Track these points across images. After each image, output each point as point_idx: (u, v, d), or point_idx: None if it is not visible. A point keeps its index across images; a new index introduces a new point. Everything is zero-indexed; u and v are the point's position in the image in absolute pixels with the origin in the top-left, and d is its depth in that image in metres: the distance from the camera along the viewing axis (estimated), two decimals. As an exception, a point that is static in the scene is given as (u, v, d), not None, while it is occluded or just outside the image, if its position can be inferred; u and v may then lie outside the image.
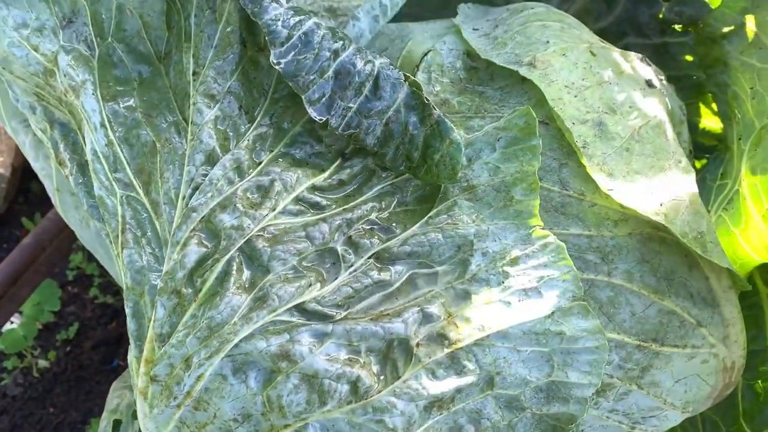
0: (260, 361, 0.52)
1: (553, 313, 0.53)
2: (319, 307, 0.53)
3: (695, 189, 0.63)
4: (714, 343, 0.61)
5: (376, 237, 0.55)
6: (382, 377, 0.52)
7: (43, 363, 1.42)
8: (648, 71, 0.69)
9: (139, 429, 0.55)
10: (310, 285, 0.53)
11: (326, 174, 0.56)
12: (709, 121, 0.89)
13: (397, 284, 0.54)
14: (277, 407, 0.52)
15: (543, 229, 0.54)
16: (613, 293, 0.59)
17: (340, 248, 0.54)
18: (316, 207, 0.55)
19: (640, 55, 0.73)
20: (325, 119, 0.52)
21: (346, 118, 0.52)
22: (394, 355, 0.53)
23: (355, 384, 0.52)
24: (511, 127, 0.55)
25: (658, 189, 0.59)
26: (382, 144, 0.53)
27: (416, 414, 0.52)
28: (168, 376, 0.53)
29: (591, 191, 0.59)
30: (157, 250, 0.56)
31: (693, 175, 0.63)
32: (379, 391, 0.52)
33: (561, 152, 0.60)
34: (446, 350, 0.52)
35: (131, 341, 0.55)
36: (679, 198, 0.60)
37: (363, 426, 0.52)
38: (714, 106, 0.86)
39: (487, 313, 0.53)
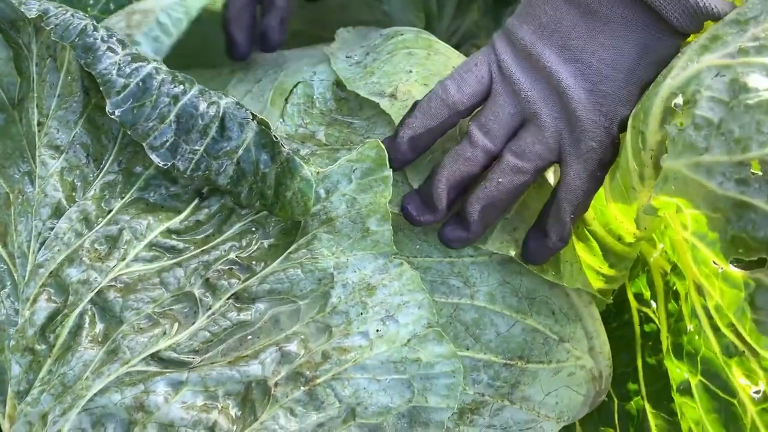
0: (117, 414, 0.53)
1: (409, 340, 0.55)
2: (175, 355, 0.54)
3: None
4: (579, 355, 0.64)
5: (234, 277, 0.55)
6: (240, 421, 0.54)
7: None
8: None
9: None
10: (165, 333, 0.54)
11: (182, 216, 0.56)
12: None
13: (259, 323, 0.55)
14: None
15: (398, 257, 0.56)
16: (477, 315, 0.62)
17: (197, 291, 0.55)
18: (173, 251, 0.56)
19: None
20: (170, 163, 0.52)
21: (194, 161, 0.53)
22: (252, 397, 0.54)
23: (212, 430, 0.53)
24: (363, 158, 0.57)
25: (512, 216, 0.62)
26: (236, 183, 0.54)
27: None
28: None
29: None
30: (16, 304, 0.56)
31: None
32: None
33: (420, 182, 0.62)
34: (303, 388, 0.54)
35: None
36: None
37: None
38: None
39: (345, 346, 0.55)
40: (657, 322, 0.75)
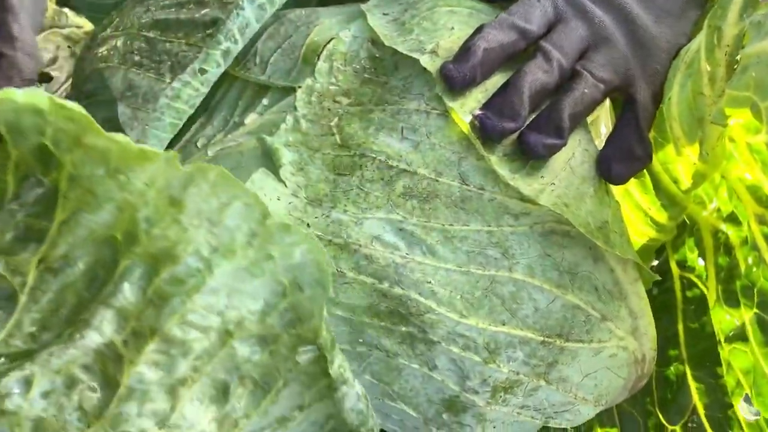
0: None
1: (250, 241, 0.48)
2: (13, 348, 0.49)
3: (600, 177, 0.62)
4: (622, 336, 0.61)
5: (33, 242, 0.49)
6: (106, 392, 0.49)
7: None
8: None
9: None
10: None
11: None
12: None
13: (83, 277, 0.49)
14: None
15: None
16: (515, 288, 0.58)
17: (4, 271, 0.49)
18: None
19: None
20: None
21: None
22: (108, 365, 0.49)
23: (82, 408, 0.49)
24: None
25: (561, 179, 0.58)
26: None
27: (160, 405, 0.49)
28: None
29: (491, 185, 0.58)
30: None
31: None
32: (109, 406, 0.48)
33: (461, 145, 0.58)
34: (156, 338, 0.49)
35: None
36: (583, 188, 0.59)
37: None
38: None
39: (180, 276, 0.48)
40: (702, 283, 0.73)
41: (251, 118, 0.65)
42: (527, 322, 0.58)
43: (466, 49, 0.59)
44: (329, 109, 0.61)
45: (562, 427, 0.66)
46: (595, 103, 0.60)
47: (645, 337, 0.62)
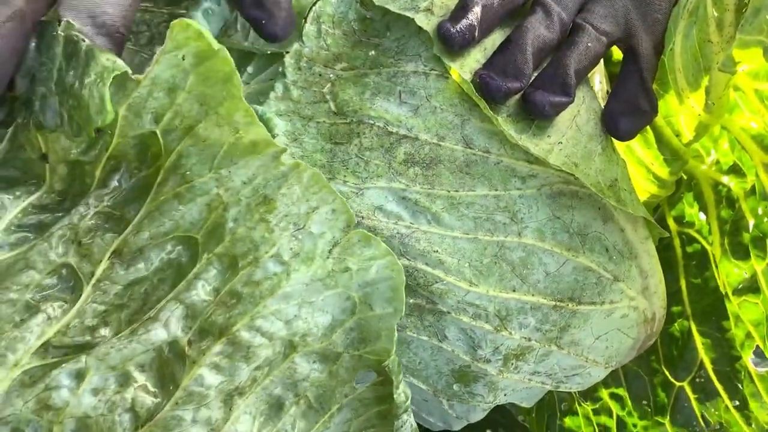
0: (31, 419, 0.45)
1: (330, 251, 0.48)
2: (68, 339, 0.46)
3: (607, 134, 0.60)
4: (633, 296, 0.60)
5: (110, 231, 0.47)
6: (161, 392, 0.47)
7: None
8: None
9: None
10: (50, 318, 0.46)
11: (45, 188, 0.48)
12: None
13: (154, 276, 0.47)
14: None
15: (293, 156, 0.49)
16: (525, 254, 0.56)
17: (72, 260, 0.46)
18: (40, 228, 0.47)
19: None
20: None
21: None
22: (167, 364, 0.47)
23: (134, 410, 0.46)
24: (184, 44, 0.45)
25: (568, 137, 0.56)
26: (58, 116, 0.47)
27: (214, 414, 0.47)
28: None
29: (496, 147, 0.55)
30: None
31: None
32: (164, 408, 0.46)
33: (463, 107, 0.55)
34: (223, 339, 0.47)
35: None
36: (591, 146, 0.57)
37: None
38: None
39: (257, 278, 0.47)
40: (702, 238, 0.72)
41: (237, 88, 0.61)
42: (538, 287, 0.57)
43: (462, 7, 0.55)
44: (320, 75, 0.58)
45: (572, 390, 0.65)
46: (599, 57, 0.58)
47: (655, 296, 0.61)
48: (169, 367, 0.47)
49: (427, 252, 0.55)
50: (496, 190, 0.55)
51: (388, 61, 0.58)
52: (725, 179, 0.67)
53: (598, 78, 0.72)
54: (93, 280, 0.46)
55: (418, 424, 0.62)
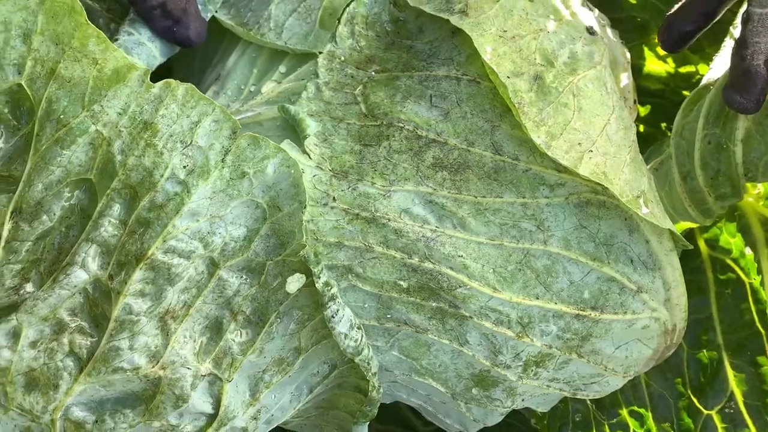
0: None
1: (223, 158, 0.48)
2: None
3: (636, 145, 0.60)
4: (655, 307, 0.59)
5: (3, 194, 0.48)
6: (96, 329, 0.48)
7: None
8: (589, 17, 0.64)
9: None
10: None
11: None
12: (654, 65, 0.86)
13: (62, 224, 0.48)
14: (28, 411, 0.47)
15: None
16: (550, 262, 0.56)
17: None
18: None
19: (581, -1, 0.69)
20: None
21: None
22: (96, 301, 0.48)
23: (75, 353, 0.48)
24: None
25: (598, 147, 0.56)
26: None
27: (152, 340, 0.48)
28: None
29: (525, 155, 0.55)
30: None
31: (633, 130, 0.60)
32: (102, 342, 0.47)
33: (493, 113, 0.55)
34: (141, 266, 0.47)
35: None
36: (620, 156, 0.57)
37: (114, 382, 0.48)
38: (659, 49, 0.83)
39: (159, 203, 0.47)
40: (740, 268, 0.71)
41: (269, 87, 0.61)
42: (562, 295, 0.56)
43: (747, 76, 0.57)
44: (353, 76, 0.58)
45: (589, 398, 0.65)
46: None
47: (677, 308, 0.61)
48: (98, 306, 0.47)
49: (451, 256, 0.55)
50: (524, 197, 0.55)
51: (420, 64, 0.58)
52: None
53: (628, 88, 0.72)
54: (2, 243, 0.47)
55: (435, 426, 0.62)
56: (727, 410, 0.70)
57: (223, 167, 0.48)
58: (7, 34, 0.46)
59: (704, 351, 0.71)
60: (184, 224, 0.48)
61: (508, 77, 0.54)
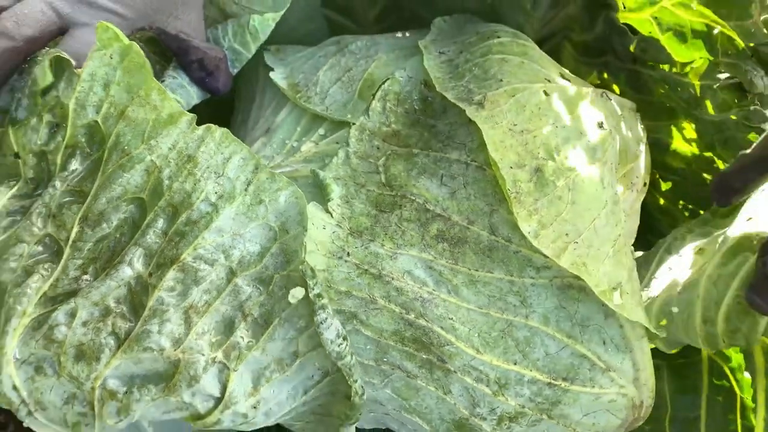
0: (44, 355, 0.58)
1: (246, 189, 0.60)
2: (59, 290, 0.59)
3: (623, 240, 0.65)
4: (623, 384, 0.65)
5: (75, 203, 0.60)
6: (134, 315, 0.58)
7: None
8: (600, 114, 0.70)
9: None
10: (43, 276, 0.59)
11: (21, 182, 0.62)
12: (681, 145, 0.90)
13: (117, 232, 0.60)
14: (74, 378, 0.58)
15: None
16: (529, 333, 0.63)
17: (51, 231, 0.60)
18: (23, 212, 0.61)
19: (600, 91, 0.75)
20: None
21: None
22: (136, 293, 0.59)
23: (116, 333, 0.58)
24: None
25: (584, 239, 0.62)
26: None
27: (176, 328, 0.58)
28: None
29: (518, 238, 0.62)
30: None
31: (621, 225, 0.65)
32: (135, 329, 0.58)
33: (494, 198, 0.62)
34: (174, 266, 0.58)
35: None
36: (603, 249, 0.63)
37: (143, 360, 0.58)
38: (686, 132, 0.87)
39: (194, 218, 0.59)
40: (735, 381, 0.74)
41: (307, 146, 0.70)
42: (537, 364, 0.63)
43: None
44: (378, 148, 0.66)
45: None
46: None
47: (644, 387, 0.67)
48: (138, 297, 0.59)
49: (443, 317, 0.63)
50: (512, 275, 0.62)
51: (438, 145, 0.65)
52: None
53: (636, 173, 0.77)
54: (69, 243, 0.60)
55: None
56: None
57: (245, 195, 0.60)
58: (92, 83, 0.60)
59: None
60: (212, 238, 0.59)
61: (511, 167, 0.61)
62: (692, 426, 0.74)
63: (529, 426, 0.66)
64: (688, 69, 0.79)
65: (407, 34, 0.80)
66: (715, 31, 0.77)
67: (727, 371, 0.74)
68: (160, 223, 0.60)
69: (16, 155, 0.63)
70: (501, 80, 0.66)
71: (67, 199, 0.61)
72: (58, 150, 0.62)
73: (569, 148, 0.64)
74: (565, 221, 0.61)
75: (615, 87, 0.92)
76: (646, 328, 0.65)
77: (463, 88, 0.66)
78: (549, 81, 0.69)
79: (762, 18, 0.74)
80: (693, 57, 0.80)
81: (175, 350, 0.58)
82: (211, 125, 0.60)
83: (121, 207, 0.60)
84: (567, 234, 0.61)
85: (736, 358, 0.73)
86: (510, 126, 0.63)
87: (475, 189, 0.63)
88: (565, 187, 0.62)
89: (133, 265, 0.59)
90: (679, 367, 0.73)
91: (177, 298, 0.59)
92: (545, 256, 0.62)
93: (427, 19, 0.82)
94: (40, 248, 0.60)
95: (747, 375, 0.72)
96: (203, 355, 0.59)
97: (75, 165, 0.62)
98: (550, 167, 0.62)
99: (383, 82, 0.68)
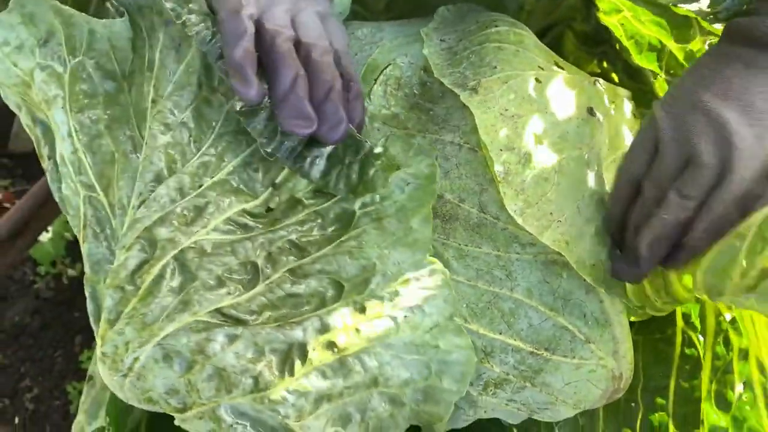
0: (183, 352, 0.62)
1: (432, 328, 0.62)
2: (235, 312, 0.62)
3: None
4: (603, 356, 0.70)
5: (292, 255, 0.63)
6: (280, 374, 0.62)
7: (72, 272, 1.60)
8: (590, 101, 0.73)
9: None
10: (230, 293, 0.62)
11: (257, 201, 0.64)
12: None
13: (307, 297, 0.63)
14: (195, 389, 0.62)
15: (433, 256, 0.63)
16: (514, 305, 0.67)
17: (260, 262, 0.63)
18: (245, 228, 0.64)
19: (593, 79, 0.78)
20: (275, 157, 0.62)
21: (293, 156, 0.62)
22: (292, 356, 0.62)
23: (256, 378, 0.62)
24: (418, 174, 0.63)
25: (567, 216, 0.67)
26: (324, 175, 0.63)
27: (306, 405, 0.62)
28: (114, 354, 0.63)
29: (505, 217, 0.66)
30: (112, 245, 0.66)
31: (605, 207, 0.69)
32: (276, 386, 0.61)
33: (484, 178, 0.67)
34: (336, 356, 0.62)
35: (91, 319, 0.66)
36: (586, 228, 0.67)
37: (262, 411, 0.62)
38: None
39: (376, 326, 0.62)
40: (699, 352, 0.78)
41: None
42: (521, 334, 0.68)
43: (635, 255, 0.64)
44: (378, 130, 0.70)
45: (544, 420, 0.76)
46: (679, 223, 0.62)
47: (624, 360, 0.71)
48: (291, 359, 0.62)
49: (435, 289, 0.67)
50: (498, 251, 0.67)
51: (434, 128, 0.70)
52: (728, 316, 0.73)
53: (626, 131, 0.80)
54: (267, 281, 0.63)
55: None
56: (663, 468, 0.78)
57: (427, 333, 0.63)
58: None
59: (656, 414, 0.79)
60: (378, 349, 0.63)
61: (501, 150, 0.65)
62: (663, 393, 0.78)
63: (514, 392, 0.71)
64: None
65: (412, 22, 0.84)
66: (666, 49, 0.80)
67: (696, 341, 0.78)
68: (347, 312, 0.62)
69: (274, 185, 0.65)
70: (495, 67, 0.70)
71: (290, 248, 0.64)
72: (308, 207, 0.65)
73: (557, 133, 0.68)
74: (550, 201, 0.65)
75: (614, 75, 0.95)
76: (625, 303, 0.70)
77: (460, 75, 0.70)
78: (542, 69, 0.72)
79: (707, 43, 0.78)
80: (649, 66, 0.84)
81: (295, 422, 0.63)
82: (437, 264, 0.63)
83: (324, 280, 0.63)
84: (551, 213, 0.65)
85: (697, 323, 0.77)
86: (501, 111, 0.67)
87: (467, 169, 0.67)
88: (552, 170, 0.66)
89: (305, 333, 0.62)
90: (655, 342, 0.78)
91: (324, 384, 0.63)
92: (531, 234, 0.66)
93: (434, 6, 0.86)
94: (242, 269, 0.64)
95: (701, 338, 0.77)
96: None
97: (315, 226, 0.64)
98: (538, 150, 0.66)
99: (385, 67, 0.73)
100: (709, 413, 0.73)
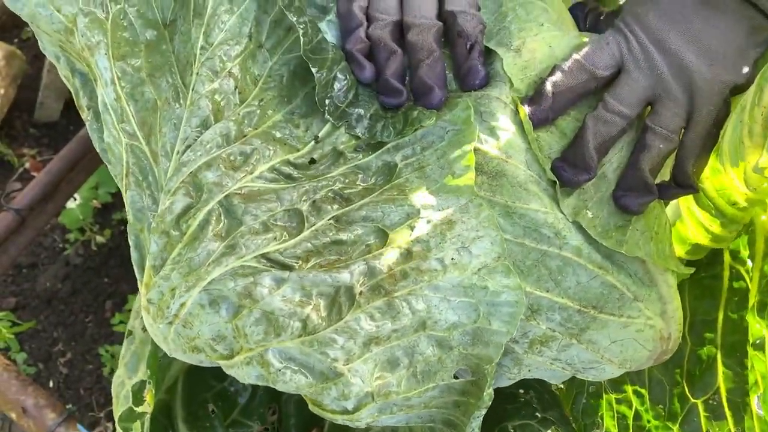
0: (230, 297, 0.62)
1: (479, 270, 0.61)
2: (281, 257, 0.62)
3: None
4: (651, 316, 0.69)
5: (337, 203, 0.62)
6: (328, 317, 0.62)
7: (100, 238, 1.61)
8: None
9: None
10: (275, 238, 0.62)
11: (301, 152, 0.63)
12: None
13: (352, 243, 0.62)
14: (243, 334, 0.62)
15: (478, 198, 0.62)
16: (562, 263, 0.66)
17: (305, 210, 0.62)
18: (289, 177, 0.63)
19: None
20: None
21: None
22: (340, 300, 0.62)
23: (304, 321, 0.62)
24: (455, 120, 0.62)
25: (592, 182, 0.66)
26: (370, 128, 0.63)
27: (355, 348, 0.62)
28: (159, 300, 0.63)
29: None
30: (155, 193, 0.65)
31: None
32: (325, 329, 0.61)
33: (530, 137, 0.66)
34: (383, 298, 0.61)
35: (135, 268, 0.66)
36: (611, 191, 0.67)
37: (311, 355, 0.62)
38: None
39: (422, 268, 0.61)
40: (748, 280, 0.77)
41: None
42: (568, 292, 0.67)
43: (539, 93, 0.65)
44: None
45: (588, 379, 0.76)
46: (670, 153, 0.66)
47: (672, 320, 0.70)
48: (339, 304, 0.62)
49: (483, 246, 0.66)
50: (546, 209, 0.66)
51: (478, 92, 0.68)
52: None
53: None
54: (313, 228, 0.63)
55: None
56: (711, 401, 0.78)
57: (475, 275, 0.62)
58: None
59: (704, 348, 0.79)
60: (426, 291, 0.63)
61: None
62: (711, 326, 0.79)
63: (560, 350, 0.70)
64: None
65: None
66: None
67: (744, 273, 0.77)
68: (393, 256, 0.62)
69: (316, 138, 0.65)
70: (542, 24, 0.69)
71: (333, 197, 0.64)
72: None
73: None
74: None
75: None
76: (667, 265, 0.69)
77: (505, 30, 0.69)
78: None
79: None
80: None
81: (344, 365, 0.63)
82: (484, 204, 0.63)
83: (370, 228, 0.63)
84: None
85: (748, 264, 0.78)
86: (536, 80, 0.66)
87: (513, 128, 0.66)
88: None
89: (352, 275, 0.62)
90: (701, 279, 0.77)
91: (372, 326, 0.63)
92: None
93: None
94: (287, 216, 0.63)
95: (750, 263, 0.77)
96: (362, 381, 0.64)
97: (357, 181, 0.64)
98: (565, 120, 0.67)
99: None
100: (753, 326, 0.73)
